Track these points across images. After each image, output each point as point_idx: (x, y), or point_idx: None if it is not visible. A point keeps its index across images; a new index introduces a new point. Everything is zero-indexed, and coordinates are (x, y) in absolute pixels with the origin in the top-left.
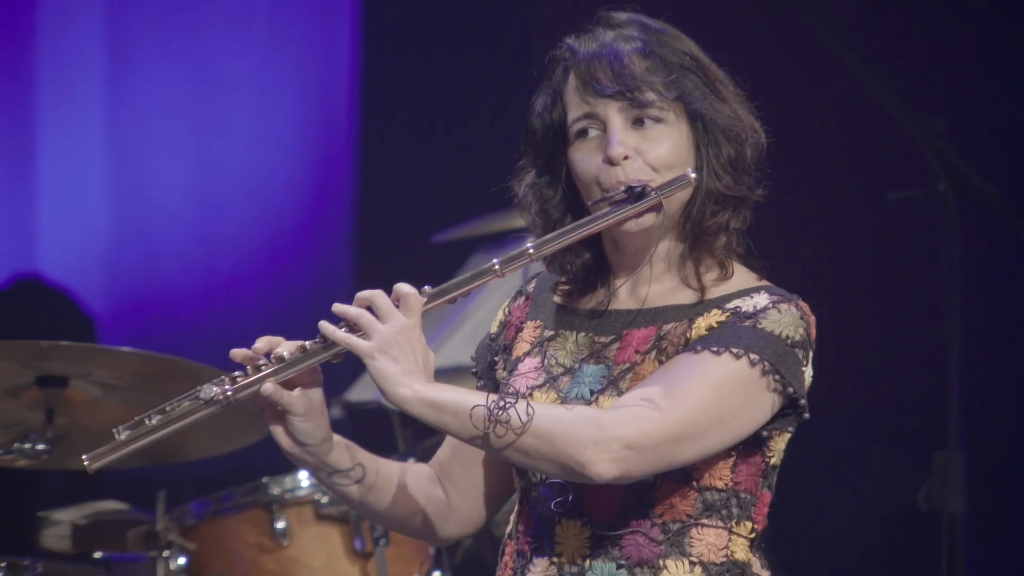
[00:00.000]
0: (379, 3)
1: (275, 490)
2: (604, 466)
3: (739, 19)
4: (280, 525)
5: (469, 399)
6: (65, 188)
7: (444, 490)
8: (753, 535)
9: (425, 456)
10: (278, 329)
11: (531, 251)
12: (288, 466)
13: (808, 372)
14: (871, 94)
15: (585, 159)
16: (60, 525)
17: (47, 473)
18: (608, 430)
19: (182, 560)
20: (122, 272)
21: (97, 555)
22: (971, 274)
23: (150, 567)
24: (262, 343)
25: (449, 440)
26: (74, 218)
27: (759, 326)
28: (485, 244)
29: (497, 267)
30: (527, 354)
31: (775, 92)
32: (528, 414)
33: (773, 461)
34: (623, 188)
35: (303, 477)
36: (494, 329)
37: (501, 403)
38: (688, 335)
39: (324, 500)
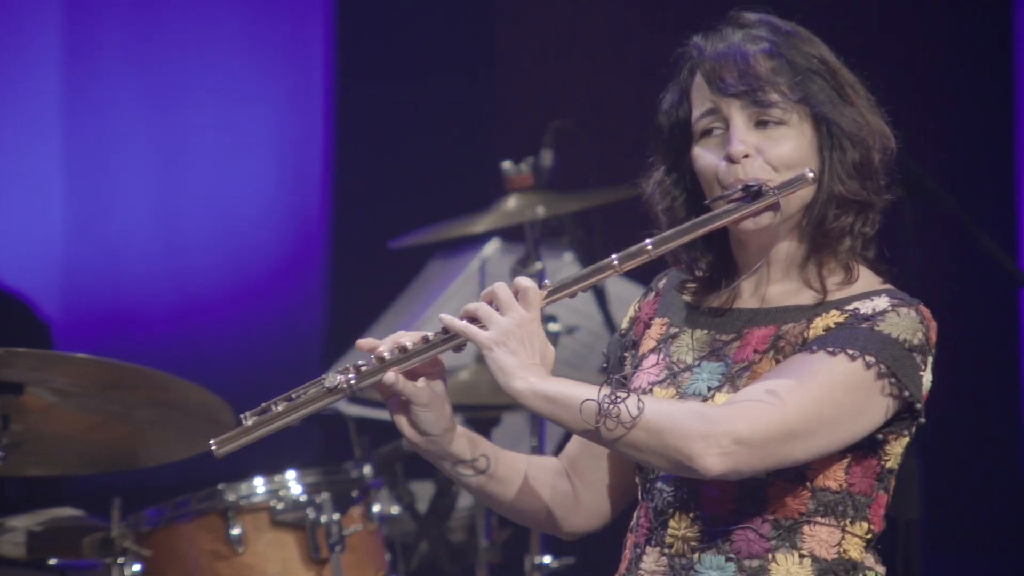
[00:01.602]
0: (352, 15)
1: (230, 497)
2: (712, 460)
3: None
4: (235, 532)
5: (581, 393)
6: (21, 194)
7: (571, 483)
8: (870, 536)
9: (381, 463)
10: (240, 337)
11: (650, 248)
12: (243, 473)
13: (927, 377)
14: None
15: (706, 155)
16: (15, 532)
17: (2, 480)
18: (718, 425)
19: (137, 567)
20: (79, 279)
21: (52, 562)
22: (928, 280)
23: (105, 574)
24: (387, 342)
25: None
26: (30, 224)
27: (876, 328)
28: (441, 249)
29: (616, 263)
30: (652, 351)
31: None
32: (639, 408)
33: (889, 464)
34: (740, 187)
35: (259, 484)
36: (624, 325)
37: (612, 397)
38: (806, 335)
39: (280, 507)
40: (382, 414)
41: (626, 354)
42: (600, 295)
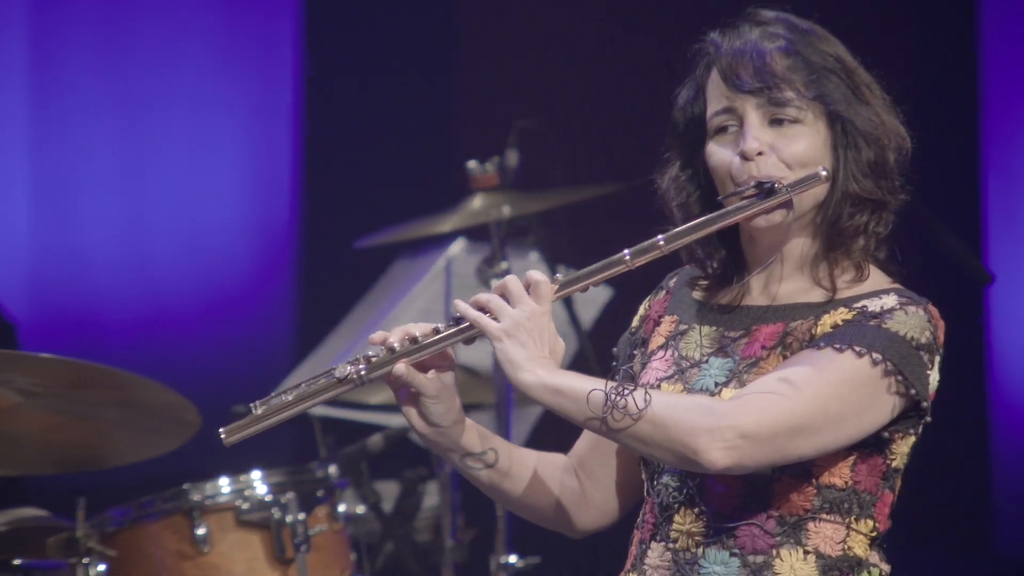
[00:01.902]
0: (319, 18)
1: (196, 496)
2: (717, 454)
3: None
4: (201, 531)
5: (590, 384)
6: None
7: (579, 481)
8: (875, 534)
9: (346, 462)
10: (210, 338)
11: (662, 243)
12: (209, 473)
13: (934, 376)
14: None
15: (720, 152)
16: None
17: None
18: (723, 419)
19: (102, 567)
20: (46, 279)
21: (16, 562)
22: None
23: (70, 574)
24: (397, 334)
25: (587, 432)
26: None
27: (884, 326)
28: (407, 249)
29: (628, 258)
30: (661, 347)
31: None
32: (645, 400)
33: (895, 463)
34: (753, 184)
35: (224, 483)
36: (635, 323)
37: (620, 389)
38: (814, 331)
39: (245, 506)
40: (348, 414)
41: (635, 352)
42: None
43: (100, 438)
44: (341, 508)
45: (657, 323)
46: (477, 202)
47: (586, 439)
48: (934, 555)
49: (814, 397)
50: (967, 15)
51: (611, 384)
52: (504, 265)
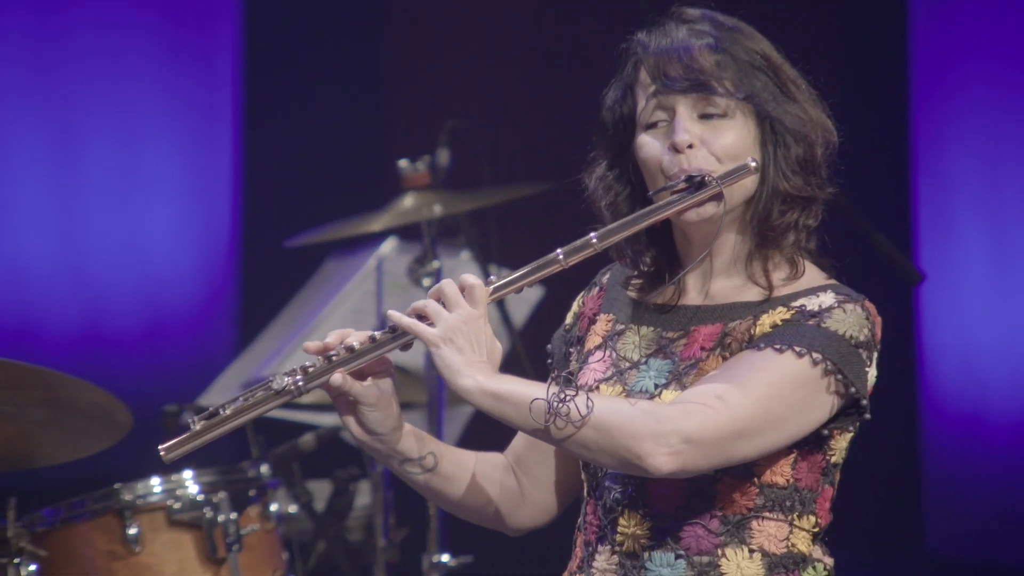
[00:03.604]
0: (257, 20)
1: (127, 496)
2: (662, 459)
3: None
4: (132, 531)
5: (531, 391)
6: None
7: (517, 479)
8: (817, 529)
9: (278, 462)
10: (143, 338)
11: (595, 241)
12: (139, 473)
13: (872, 373)
14: None
15: (651, 145)
16: None
17: None
18: (667, 423)
19: (33, 567)
20: None
21: None
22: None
23: (1, 574)
24: (334, 337)
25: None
26: None
27: (823, 325)
28: (338, 248)
29: (561, 257)
30: (598, 347)
31: None
32: (588, 407)
33: (834, 459)
34: (683, 177)
35: (155, 483)
36: (568, 320)
37: (562, 395)
38: (752, 332)
39: (176, 506)
40: (280, 413)
41: (571, 349)
42: None
43: (29, 438)
44: (273, 507)
45: (592, 321)
46: (408, 201)
47: (523, 437)
48: (866, 553)
49: (756, 399)
50: (897, 14)
51: (552, 390)
52: (435, 264)
